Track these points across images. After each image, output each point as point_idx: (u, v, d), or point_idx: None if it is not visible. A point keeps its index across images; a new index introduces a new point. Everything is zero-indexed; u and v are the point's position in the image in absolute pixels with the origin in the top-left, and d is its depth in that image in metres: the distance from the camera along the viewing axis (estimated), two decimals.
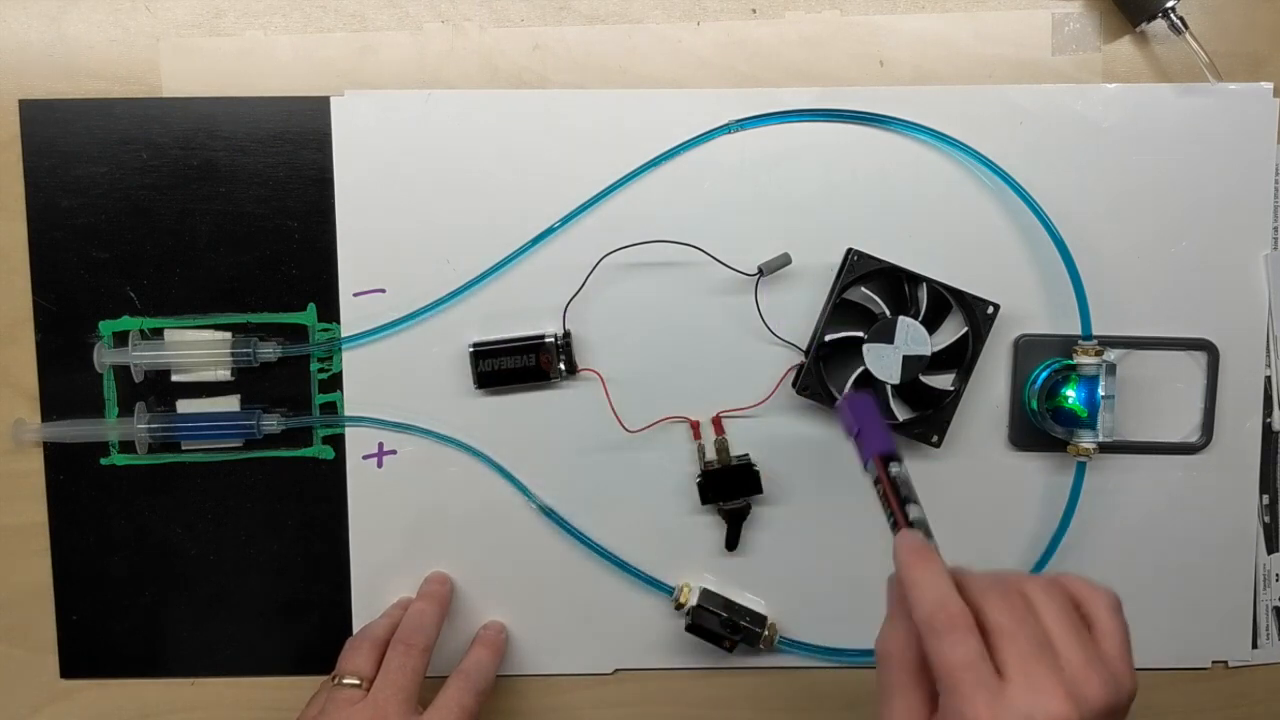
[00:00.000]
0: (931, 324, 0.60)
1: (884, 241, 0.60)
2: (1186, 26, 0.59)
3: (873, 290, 0.60)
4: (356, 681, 0.56)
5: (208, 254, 0.61)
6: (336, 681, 0.56)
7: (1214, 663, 0.65)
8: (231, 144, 0.61)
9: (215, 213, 0.61)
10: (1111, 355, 0.60)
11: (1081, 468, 0.62)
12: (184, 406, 0.62)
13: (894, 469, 0.49)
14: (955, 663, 0.40)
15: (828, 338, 0.60)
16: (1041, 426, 0.61)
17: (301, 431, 0.62)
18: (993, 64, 0.62)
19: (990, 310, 0.60)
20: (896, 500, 0.48)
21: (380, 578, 0.63)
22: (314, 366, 0.62)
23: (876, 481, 0.49)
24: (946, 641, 0.40)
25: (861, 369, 0.59)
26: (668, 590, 0.63)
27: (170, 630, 0.63)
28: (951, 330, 0.60)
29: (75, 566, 0.63)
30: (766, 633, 0.62)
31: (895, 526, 0.47)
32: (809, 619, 0.63)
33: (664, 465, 0.62)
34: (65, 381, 0.62)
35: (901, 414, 0.60)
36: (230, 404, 0.62)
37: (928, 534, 0.46)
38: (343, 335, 0.62)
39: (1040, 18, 0.62)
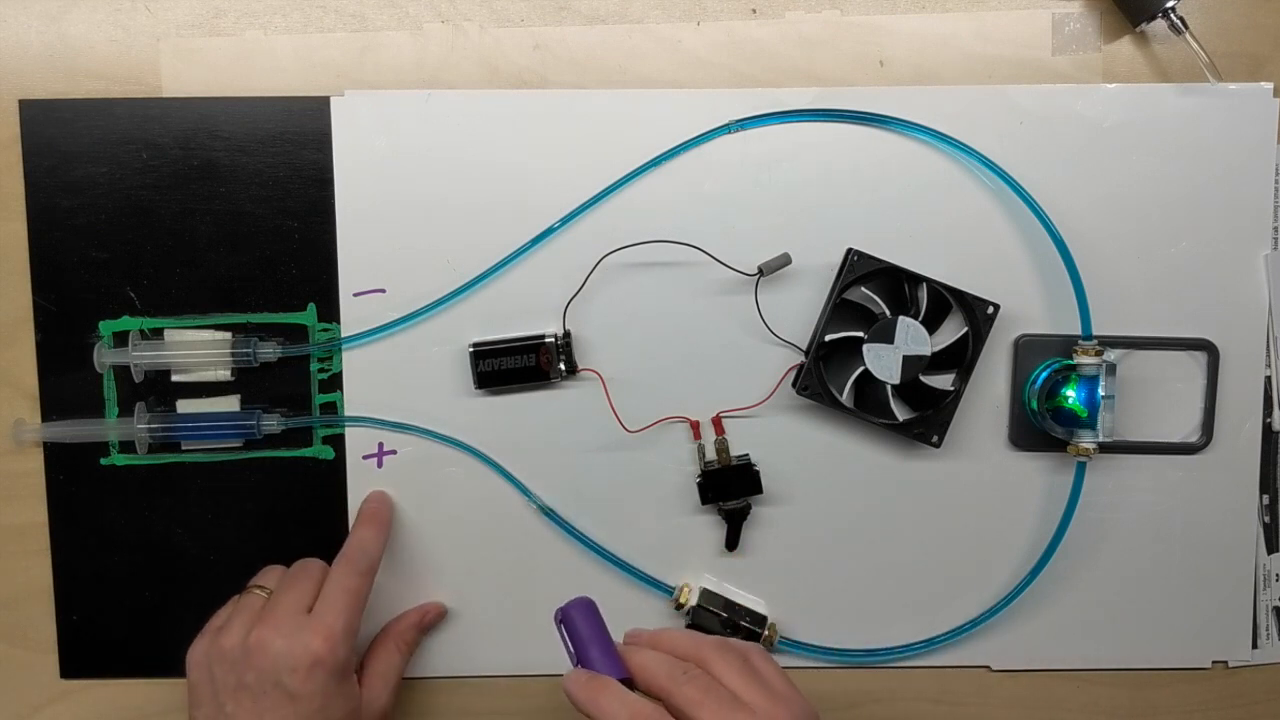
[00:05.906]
0: (931, 324, 0.60)
1: (884, 241, 0.60)
2: (1186, 26, 0.59)
3: (873, 290, 0.60)
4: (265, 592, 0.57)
5: (208, 254, 0.61)
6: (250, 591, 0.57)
7: (1214, 663, 0.65)
8: (231, 144, 0.61)
9: (215, 213, 0.61)
10: (1111, 355, 0.60)
11: (1081, 468, 0.62)
12: (184, 406, 0.62)
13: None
14: None
15: (828, 338, 0.60)
16: (1041, 426, 0.61)
17: (301, 431, 0.62)
18: (993, 64, 0.62)
19: (990, 310, 0.60)
20: None
21: (380, 578, 0.63)
22: (314, 366, 0.62)
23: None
24: None
25: (862, 369, 0.60)
26: (668, 590, 0.63)
27: (170, 630, 0.63)
28: (951, 330, 0.60)
29: (75, 566, 0.63)
30: (766, 633, 0.62)
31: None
32: (809, 619, 0.63)
33: (664, 465, 0.62)
34: (65, 381, 0.62)
35: (901, 414, 0.60)
36: (230, 404, 0.62)
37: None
38: (343, 335, 0.62)
39: (1040, 18, 0.62)
